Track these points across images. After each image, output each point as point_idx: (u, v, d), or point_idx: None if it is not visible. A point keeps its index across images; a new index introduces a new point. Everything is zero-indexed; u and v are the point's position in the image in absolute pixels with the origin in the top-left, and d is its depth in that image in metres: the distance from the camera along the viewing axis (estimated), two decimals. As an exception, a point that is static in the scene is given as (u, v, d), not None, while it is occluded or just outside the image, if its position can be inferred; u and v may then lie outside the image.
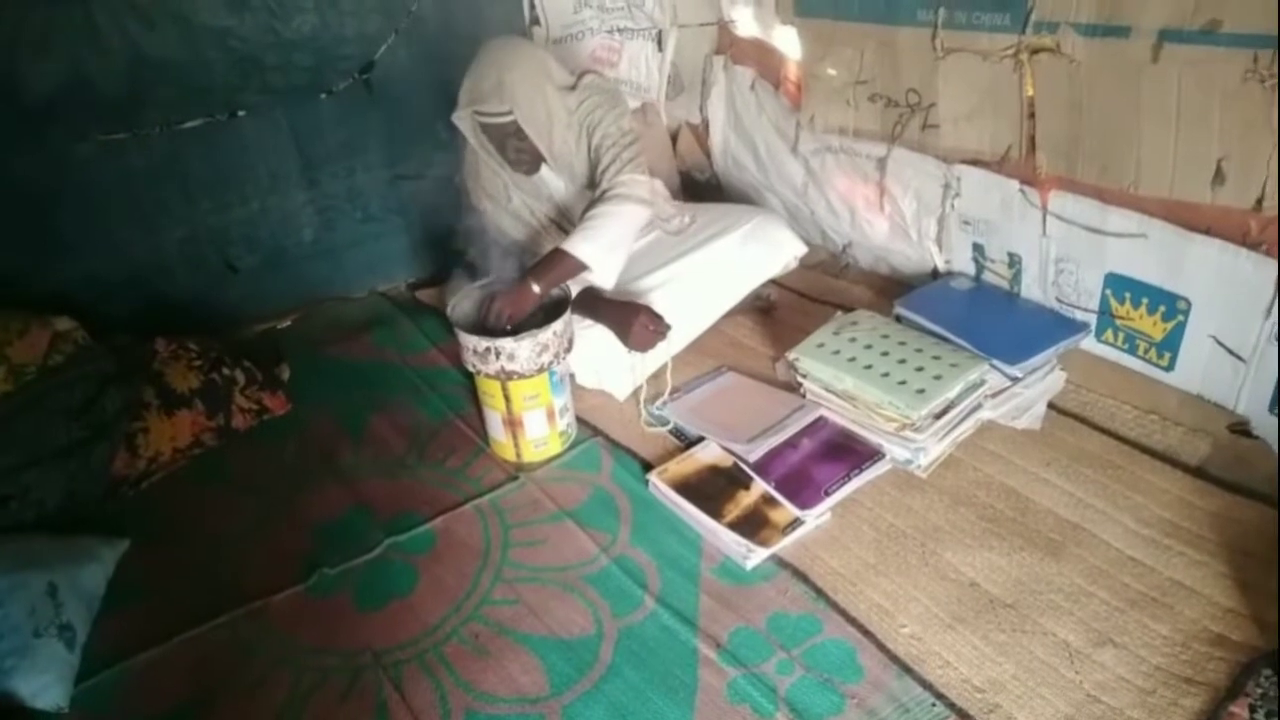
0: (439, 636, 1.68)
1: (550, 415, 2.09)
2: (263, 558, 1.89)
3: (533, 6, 2.88)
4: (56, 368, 2.07)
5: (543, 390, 2.05)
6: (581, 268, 2.12)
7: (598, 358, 2.25)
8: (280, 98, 2.56)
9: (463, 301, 2.14)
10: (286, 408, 2.35)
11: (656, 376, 2.28)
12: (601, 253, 2.13)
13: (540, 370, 2.00)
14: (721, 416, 2.17)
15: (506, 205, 2.34)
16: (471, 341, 1.99)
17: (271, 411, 2.31)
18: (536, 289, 2.07)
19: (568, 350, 2.08)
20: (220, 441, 2.22)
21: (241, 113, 2.51)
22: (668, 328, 2.19)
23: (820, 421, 2.11)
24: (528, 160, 2.24)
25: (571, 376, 2.23)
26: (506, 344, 1.95)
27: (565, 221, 2.38)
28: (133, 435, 2.08)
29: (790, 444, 2.04)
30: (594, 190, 2.25)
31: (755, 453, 2.01)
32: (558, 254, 2.11)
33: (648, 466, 2.06)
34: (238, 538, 1.96)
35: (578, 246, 2.10)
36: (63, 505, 1.96)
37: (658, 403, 2.24)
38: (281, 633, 1.71)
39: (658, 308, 2.24)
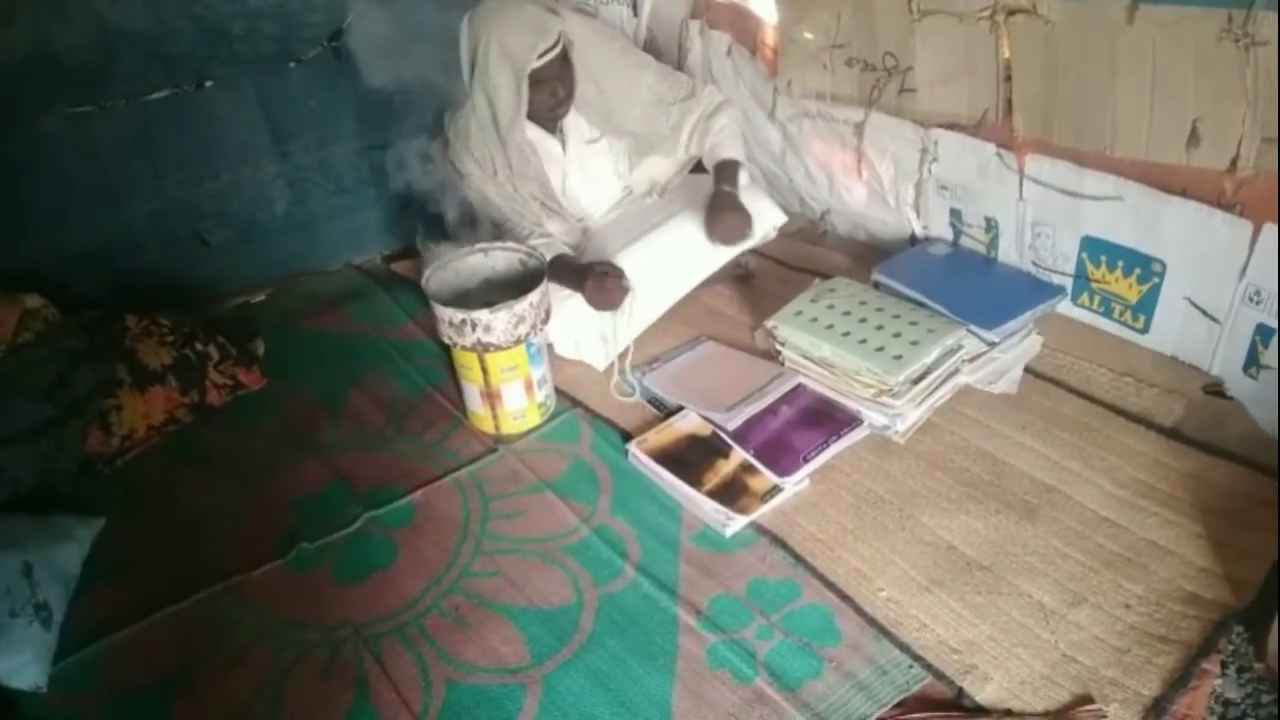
0: (419, 609, 1.68)
1: (528, 387, 2.08)
2: (241, 533, 1.89)
3: (505, -30, 2.83)
4: (26, 346, 2.04)
5: (520, 362, 2.04)
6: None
7: (576, 328, 2.24)
8: (248, 67, 2.51)
9: (438, 272, 2.12)
10: (262, 383, 2.33)
11: (632, 347, 2.27)
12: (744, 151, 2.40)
13: (517, 342, 1.99)
14: (700, 385, 2.16)
15: (492, 175, 2.31)
16: (447, 314, 1.97)
17: (246, 387, 2.29)
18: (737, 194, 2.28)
19: (545, 321, 2.06)
20: (195, 418, 2.20)
21: (209, 83, 2.47)
22: (626, 281, 2.17)
23: (799, 389, 2.11)
24: (567, 99, 2.26)
25: (550, 347, 2.22)
26: (483, 316, 1.93)
27: (546, 198, 2.36)
28: (106, 413, 2.06)
29: (769, 411, 2.05)
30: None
31: (734, 421, 2.01)
32: (732, 163, 2.33)
33: (627, 436, 2.05)
34: (215, 514, 1.95)
35: (740, 151, 2.37)
36: (36, 485, 1.94)
37: (630, 372, 2.23)
38: (261, 608, 1.71)
39: (636, 277, 2.23)
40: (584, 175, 2.42)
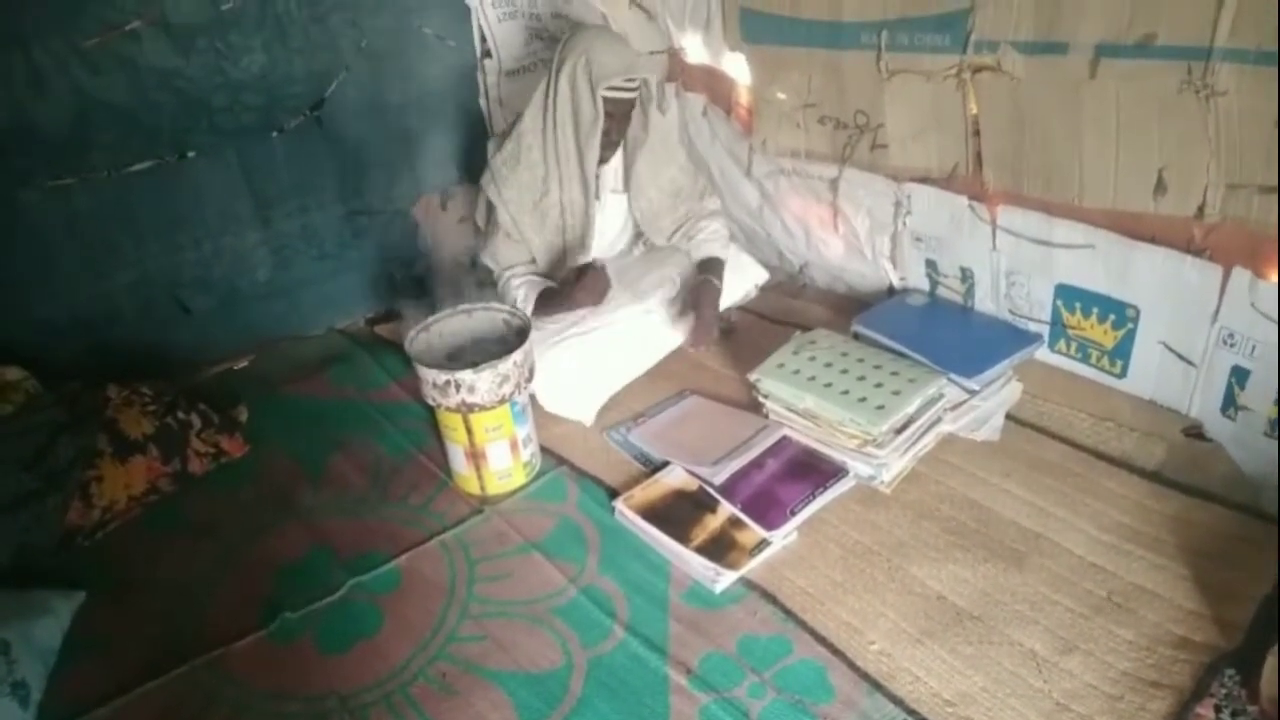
0: (406, 677, 1.65)
1: (513, 446, 2.08)
2: (223, 604, 1.85)
3: (484, 39, 2.90)
4: (7, 418, 2.02)
5: (505, 421, 2.03)
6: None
7: (561, 384, 2.24)
8: (230, 137, 2.54)
9: (421, 334, 2.13)
10: (244, 450, 2.31)
11: (617, 400, 2.28)
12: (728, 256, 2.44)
13: (501, 401, 1.99)
14: (686, 440, 2.17)
15: (538, 200, 2.33)
16: (431, 375, 1.97)
17: (229, 454, 2.28)
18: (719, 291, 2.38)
19: (529, 380, 2.07)
20: (176, 487, 2.18)
21: (191, 154, 2.49)
22: (607, 273, 2.24)
23: (784, 441, 2.11)
24: (615, 144, 2.33)
25: (535, 402, 2.22)
26: (466, 376, 1.93)
27: (575, 222, 2.37)
28: (86, 484, 2.03)
29: (755, 465, 2.05)
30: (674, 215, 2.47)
31: (721, 475, 2.01)
32: (718, 261, 2.41)
33: (614, 494, 2.05)
34: (197, 585, 1.91)
35: (725, 254, 2.43)
36: (15, 559, 1.91)
37: (616, 429, 2.24)
38: (243, 681, 1.67)
39: (625, 330, 2.29)
40: (602, 221, 2.45)
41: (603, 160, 2.34)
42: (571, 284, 2.24)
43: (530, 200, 2.32)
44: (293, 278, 2.80)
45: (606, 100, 2.20)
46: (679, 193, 2.44)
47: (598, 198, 2.39)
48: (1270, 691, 1.39)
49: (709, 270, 2.38)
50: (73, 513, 2.01)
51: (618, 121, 2.27)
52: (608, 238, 2.53)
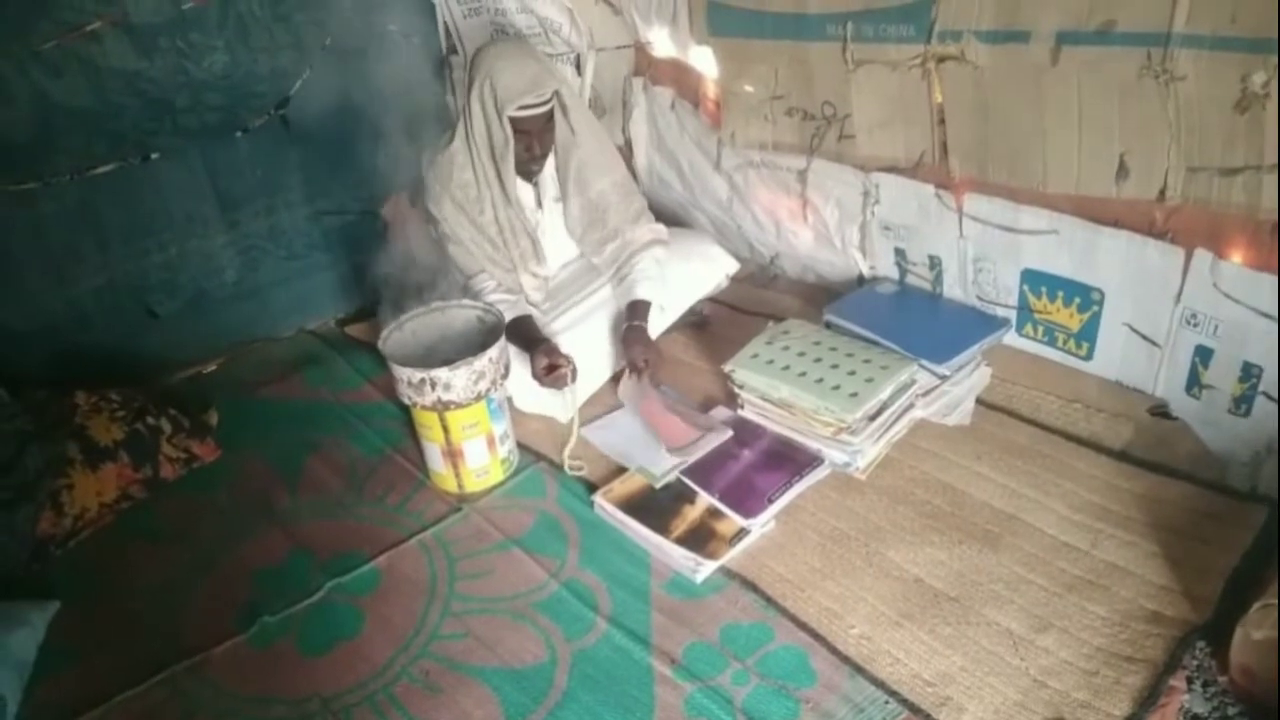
0: (388, 677, 1.65)
1: (490, 443, 2.07)
2: (200, 610, 1.84)
3: (449, 35, 2.88)
4: (-28, 429, 1.99)
5: (481, 418, 2.03)
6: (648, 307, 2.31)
7: (537, 385, 2.24)
8: (194, 138, 2.51)
9: (394, 333, 2.12)
10: (216, 454, 2.29)
11: (590, 401, 2.28)
12: (662, 294, 2.34)
13: (477, 398, 1.99)
14: (637, 445, 2.17)
15: (477, 216, 2.31)
16: (405, 373, 1.96)
17: (201, 459, 2.26)
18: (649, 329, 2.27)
19: (504, 376, 2.07)
20: (149, 493, 2.16)
21: (155, 155, 2.46)
22: (566, 362, 2.17)
23: (758, 431, 2.13)
24: (541, 158, 2.29)
25: (510, 402, 2.22)
26: (442, 374, 1.93)
27: (516, 239, 2.36)
28: (57, 493, 2.01)
29: (730, 455, 2.06)
30: (600, 228, 2.40)
31: (662, 481, 2.02)
32: (642, 304, 2.28)
33: (592, 488, 2.05)
34: (173, 591, 1.90)
35: (655, 293, 2.31)
36: (-14, 571, 1.89)
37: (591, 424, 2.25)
38: (224, 685, 1.66)
39: (594, 332, 2.27)
40: (551, 229, 2.44)
41: (533, 173, 2.33)
42: (538, 355, 2.17)
43: (466, 218, 2.30)
44: (261, 279, 2.78)
45: (517, 120, 2.17)
46: (608, 209, 2.37)
47: (540, 206, 2.38)
48: (1239, 661, 1.42)
49: (634, 315, 2.28)
50: (44, 522, 1.98)
51: (536, 136, 2.23)
52: (560, 245, 2.50)
